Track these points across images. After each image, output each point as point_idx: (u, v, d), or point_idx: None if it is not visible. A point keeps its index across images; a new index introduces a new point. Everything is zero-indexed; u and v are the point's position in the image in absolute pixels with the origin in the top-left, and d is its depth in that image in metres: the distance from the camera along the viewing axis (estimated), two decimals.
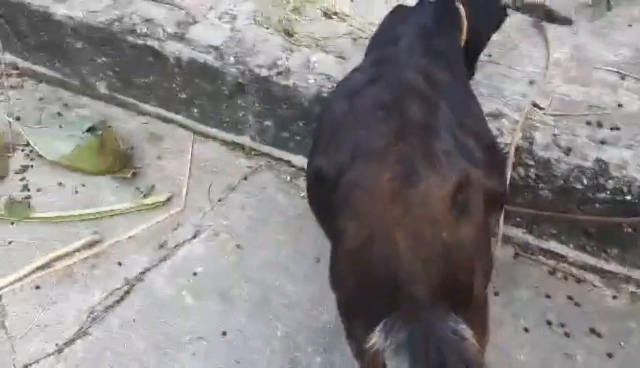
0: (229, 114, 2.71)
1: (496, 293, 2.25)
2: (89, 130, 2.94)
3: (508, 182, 2.09)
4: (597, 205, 2.05)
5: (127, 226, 2.60)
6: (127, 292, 2.38)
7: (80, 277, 2.44)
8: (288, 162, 2.72)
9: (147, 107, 2.98)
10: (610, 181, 1.98)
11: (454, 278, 1.26)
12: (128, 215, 2.66)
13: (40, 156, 2.92)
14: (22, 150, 2.96)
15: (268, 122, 2.62)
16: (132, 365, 2.15)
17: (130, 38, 2.65)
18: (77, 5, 2.80)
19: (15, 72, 3.39)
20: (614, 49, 2.44)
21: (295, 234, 2.52)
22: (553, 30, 2.47)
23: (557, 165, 2.05)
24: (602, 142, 2.04)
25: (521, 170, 2.13)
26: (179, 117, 2.90)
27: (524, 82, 2.32)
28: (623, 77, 2.33)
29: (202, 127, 2.86)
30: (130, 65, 2.81)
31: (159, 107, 2.93)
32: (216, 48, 2.49)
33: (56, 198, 2.76)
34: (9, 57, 3.34)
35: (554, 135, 2.08)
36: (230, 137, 2.80)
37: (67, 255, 2.51)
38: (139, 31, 2.62)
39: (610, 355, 2.05)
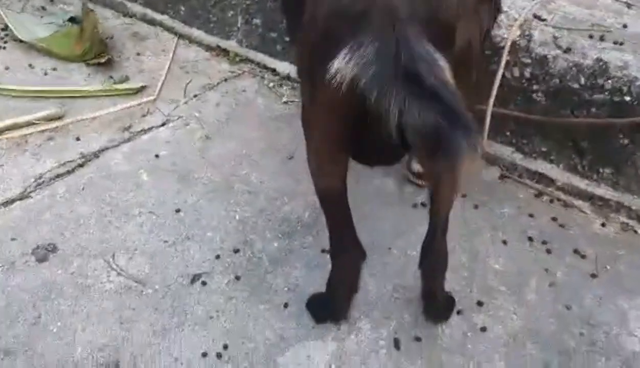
0: (217, 13, 2.59)
1: (475, 207, 2.08)
2: (71, 20, 2.81)
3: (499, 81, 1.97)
4: (593, 109, 1.91)
5: (94, 108, 2.45)
6: (81, 165, 2.20)
7: (34, 146, 2.26)
8: (273, 70, 2.58)
9: (135, 7, 2.86)
10: (609, 81, 1.84)
11: (441, 18, 1.10)
12: (97, 100, 2.49)
13: (16, 40, 2.79)
14: None
15: (256, 20, 2.49)
16: (72, 228, 1.96)
17: None
18: None
19: None
20: None
21: (270, 132, 2.36)
22: None
23: (554, 62, 1.92)
24: (604, 48, 1.92)
25: (516, 70, 1.99)
26: (164, 18, 2.78)
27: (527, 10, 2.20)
28: (629, 6, 2.22)
29: (187, 30, 2.73)
30: None
31: (146, 6, 2.81)
32: None
33: (23, 77, 2.60)
34: None
35: (554, 36, 1.96)
36: (215, 40, 2.66)
37: (24, 125, 2.34)
38: None
39: (593, 276, 1.87)
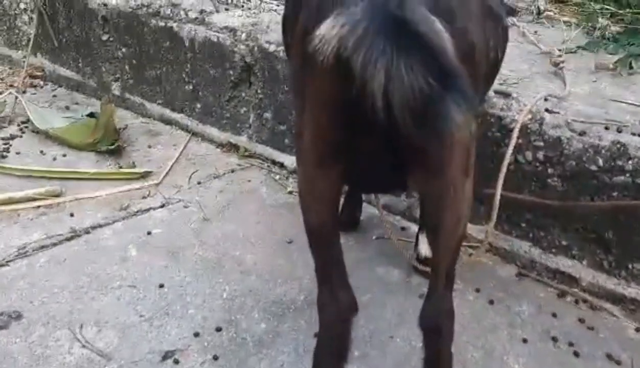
0: (230, 110, 2.62)
1: (490, 302, 1.86)
2: (90, 115, 2.87)
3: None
4: (614, 193, 1.76)
5: (94, 189, 2.38)
6: (68, 239, 2.09)
7: (26, 220, 2.18)
8: (281, 164, 2.53)
9: (153, 107, 2.92)
10: (629, 162, 1.71)
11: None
12: (99, 183, 2.44)
13: (34, 131, 2.84)
14: (18, 125, 2.89)
15: (267, 114, 2.50)
16: (43, 297, 1.79)
17: (153, 21, 2.70)
18: None
19: (39, 74, 3.48)
20: (635, 94, 2.28)
21: (271, 218, 2.23)
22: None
23: (569, 143, 1.80)
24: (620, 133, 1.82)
25: (528, 154, 1.88)
26: (180, 116, 2.82)
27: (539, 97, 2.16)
28: None
29: (200, 127, 2.75)
30: (147, 55, 2.82)
31: (164, 105, 2.88)
32: (232, 29, 2.48)
33: (32, 161, 2.59)
34: (37, 60, 3.45)
35: (567, 121, 1.87)
36: (227, 136, 2.66)
37: (20, 200, 2.27)
38: (162, 13, 2.67)
39: None
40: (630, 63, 2.44)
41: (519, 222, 1.99)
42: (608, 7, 3.13)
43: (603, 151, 1.77)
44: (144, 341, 1.66)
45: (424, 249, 1.90)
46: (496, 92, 1.97)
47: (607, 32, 2.82)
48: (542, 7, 3.28)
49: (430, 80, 0.83)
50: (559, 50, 2.47)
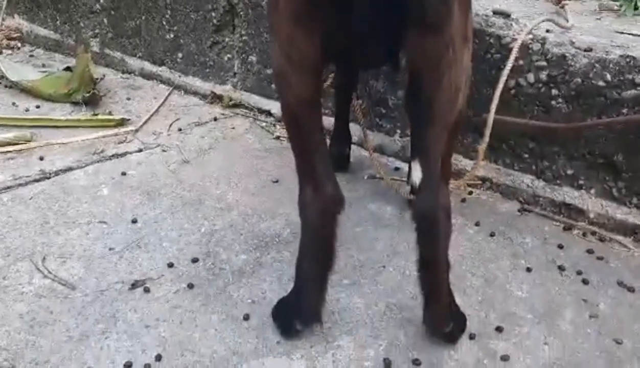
0: (213, 57, 2.48)
1: (491, 235, 1.71)
2: (66, 69, 2.72)
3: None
4: (624, 110, 1.62)
5: (68, 136, 2.23)
6: (37, 180, 1.93)
7: None
8: (268, 112, 2.38)
9: (133, 62, 2.77)
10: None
11: None
12: (73, 130, 2.29)
13: (7, 86, 2.68)
14: None
15: (252, 57, 2.35)
16: (4, 232, 1.64)
17: None
18: None
19: (16, 35, 3.33)
20: None
21: (255, 160, 2.08)
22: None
23: (574, 60, 1.67)
24: (629, 47, 1.69)
25: (530, 76, 1.74)
26: (162, 69, 2.67)
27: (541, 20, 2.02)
28: None
29: (183, 79, 2.61)
30: (125, 5, 2.68)
31: (144, 58, 2.73)
32: None
33: (3, 113, 2.44)
34: (15, 21, 3.30)
35: (571, 41, 1.74)
36: (210, 86, 2.52)
37: None
38: None
39: None
40: (636, 3, 2.32)
41: (521, 154, 1.85)
42: None
43: (611, 65, 1.63)
44: (112, 272, 1.50)
45: (418, 176, 1.76)
46: (495, 11, 1.84)
47: None
48: None
49: None
50: None
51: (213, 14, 2.40)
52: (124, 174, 1.96)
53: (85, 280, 1.47)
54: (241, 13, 2.32)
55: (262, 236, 1.67)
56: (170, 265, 1.53)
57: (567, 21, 2.00)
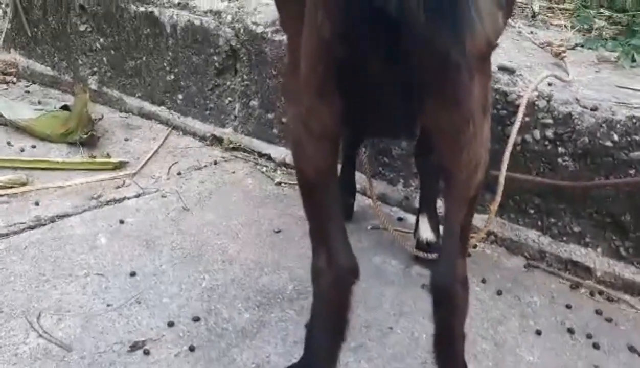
0: (214, 99, 2.46)
1: (498, 293, 1.68)
2: (63, 107, 2.69)
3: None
4: (632, 172, 1.61)
5: (64, 179, 2.19)
6: (31, 228, 1.88)
7: None
8: (268, 156, 2.35)
9: (132, 101, 2.75)
10: None
11: None
12: (70, 173, 2.25)
13: (1, 124, 2.64)
14: None
15: (254, 102, 2.33)
16: (1, 287, 1.58)
17: (132, 7, 2.55)
18: None
19: (12, 70, 3.30)
20: None
21: (256, 208, 2.04)
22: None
23: (580, 119, 1.66)
24: (637, 108, 1.69)
25: (536, 133, 1.74)
26: (160, 109, 2.65)
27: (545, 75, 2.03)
28: None
29: (182, 120, 2.58)
30: (126, 45, 2.66)
31: (144, 98, 2.71)
32: (216, 12, 2.34)
33: None
34: (10, 56, 3.28)
35: (576, 98, 1.74)
36: (210, 129, 2.49)
37: None
38: None
39: None
40: (633, 55, 2.33)
41: (527, 209, 1.83)
42: (602, 12, 3.08)
43: (618, 126, 1.63)
44: (110, 331, 1.45)
45: (426, 233, 1.73)
46: (500, 67, 1.84)
47: (604, 33, 2.74)
48: (536, 10, 3.22)
49: None
50: (561, 40, 2.37)
51: (215, 58, 2.39)
52: (122, 221, 1.92)
53: (82, 341, 1.41)
54: (243, 58, 2.31)
55: (265, 292, 1.62)
56: (171, 324, 1.48)
57: (568, 74, 2.02)
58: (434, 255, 1.70)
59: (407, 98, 0.96)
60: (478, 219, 1.93)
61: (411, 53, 0.85)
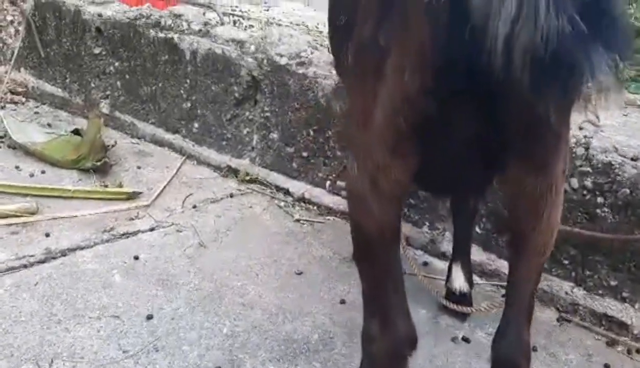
0: (231, 130, 2.39)
1: (533, 349, 1.61)
2: (74, 132, 2.62)
3: None
4: None
5: (75, 209, 2.11)
6: (42, 261, 1.80)
7: None
8: (286, 191, 2.28)
9: (145, 127, 2.68)
10: None
11: None
12: (81, 202, 2.17)
13: (11, 147, 2.57)
14: None
15: (274, 135, 2.27)
16: (7, 325, 1.49)
17: (152, 32, 2.50)
18: (110, 6, 2.73)
19: (21, 90, 3.23)
20: None
21: (276, 246, 1.97)
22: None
23: (621, 169, 1.61)
24: None
25: (574, 181, 1.68)
26: (175, 137, 2.58)
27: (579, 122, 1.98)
28: None
29: (197, 149, 2.51)
30: (142, 70, 2.60)
31: (157, 125, 2.64)
32: (239, 41, 2.28)
33: (6, 177, 2.31)
34: (21, 75, 3.21)
35: (615, 147, 1.69)
36: (225, 159, 2.42)
37: None
38: (162, 24, 2.47)
39: None
40: None
41: (561, 259, 1.76)
42: None
43: None
44: None
45: (459, 283, 1.66)
46: None
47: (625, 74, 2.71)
48: None
49: (578, 19, 0.61)
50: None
51: (235, 88, 2.33)
52: (136, 258, 1.83)
53: None
54: (265, 89, 2.26)
55: (289, 341, 1.54)
56: None
57: (598, 119, 1.97)
58: (467, 309, 1.62)
59: (488, 158, 0.90)
60: (506, 267, 1.88)
61: (504, 114, 0.79)
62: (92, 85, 2.86)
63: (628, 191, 1.61)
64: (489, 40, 0.64)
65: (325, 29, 3.15)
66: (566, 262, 1.76)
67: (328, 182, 2.20)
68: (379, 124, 0.91)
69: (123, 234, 1.98)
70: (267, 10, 4.80)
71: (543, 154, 0.88)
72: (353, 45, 1.00)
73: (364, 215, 1.02)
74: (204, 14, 2.60)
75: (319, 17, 4.09)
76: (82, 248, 1.89)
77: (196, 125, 2.52)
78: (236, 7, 4.50)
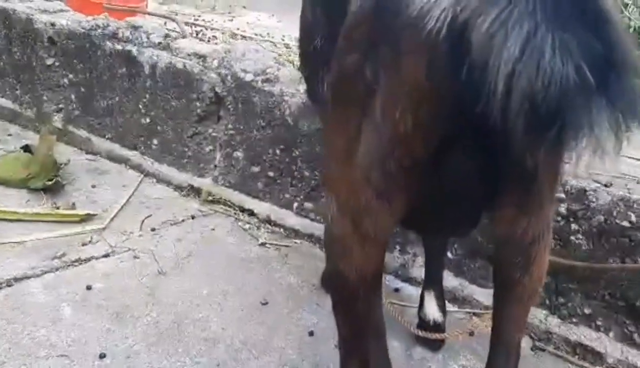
0: (192, 147, 2.29)
1: None
2: (25, 148, 2.46)
3: None
4: None
5: (23, 233, 1.96)
6: None
7: None
8: (251, 212, 2.19)
9: (100, 142, 2.55)
10: None
11: None
12: (30, 224, 2.02)
13: None
14: None
15: (238, 153, 2.17)
16: None
17: (108, 44, 2.37)
18: (64, 16, 2.59)
19: None
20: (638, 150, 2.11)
21: (240, 274, 1.87)
22: None
23: (596, 196, 1.58)
24: None
25: None
26: (132, 154, 2.46)
27: None
28: None
29: (156, 167, 2.39)
30: (98, 82, 2.47)
31: (114, 140, 2.51)
32: (201, 56, 2.18)
33: None
34: None
35: (589, 172, 1.66)
36: (186, 178, 2.31)
37: None
38: (120, 36, 2.35)
39: None
40: None
41: None
42: None
43: (635, 205, 1.55)
44: None
45: (433, 312, 1.59)
46: None
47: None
48: None
49: (585, 67, 0.56)
50: None
51: (197, 104, 2.22)
52: (89, 287, 1.70)
53: None
54: (229, 106, 2.16)
55: None
56: None
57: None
58: (440, 336, 1.56)
59: (479, 199, 0.84)
60: (478, 293, 1.83)
61: (499, 155, 0.73)
62: (45, 97, 2.70)
63: (602, 218, 1.58)
64: (488, 80, 0.58)
65: (292, 42, 3.08)
66: (540, 289, 1.72)
67: (295, 204, 2.11)
68: (364, 163, 0.84)
69: (75, 261, 1.85)
70: (232, 20, 4.71)
71: (537, 197, 0.82)
72: (333, 74, 0.93)
73: (344, 261, 0.94)
74: (164, 24, 2.49)
75: (285, 29, 4.03)
76: (29, 277, 1.75)
77: (155, 141, 2.40)
78: (199, 16, 4.40)
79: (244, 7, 5.18)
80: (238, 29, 3.83)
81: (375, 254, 0.93)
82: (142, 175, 2.46)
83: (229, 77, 2.10)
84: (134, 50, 2.32)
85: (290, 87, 2.01)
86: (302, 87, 2.02)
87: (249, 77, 2.06)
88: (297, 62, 1.96)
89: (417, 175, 0.82)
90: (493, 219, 0.88)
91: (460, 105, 0.67)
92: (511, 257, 0.91)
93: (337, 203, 0.93)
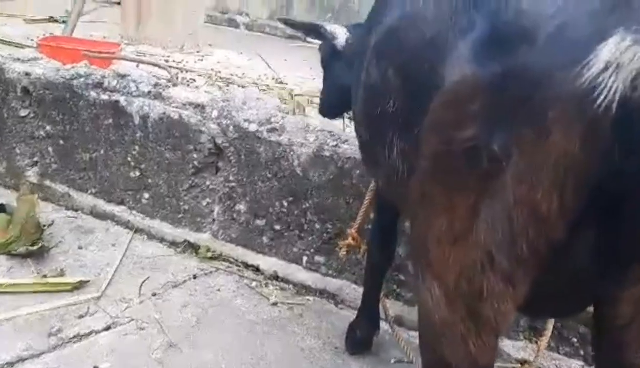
0: (188, 200, 2.15)
1: None
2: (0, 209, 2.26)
3: None
4: None
5: (11, 307, 1.77)
6: None
7: None
8: (256, 268, 2.06)
9: (82, 198, 2.37)
10: None
11: None
12: (17, 297, 1.83)
13: None
14: None
15: (240, 206, 2.05)
16: None
17: (92, 94, 2.21)
18: (40, 64, 2.42)
19: None
20: None
21: (256, 340, 1.73)
22: None
23: None
24: None
25: None
26: (119, 209, 2.29)
27: None
28: None
29: (147, 222, 2.24)
30: (79, 134, 2.30)
31: (98, 195, 2.33)
32: (198, 105, 2.06)
33: None
34: None
35: None
36: (182, 233, 2.16)
37: None
38: (106, 85, 2.20)
39: None
40: None
41: (569, 337, 1.66)
42: None
43: None
44: None
45: None
46: None
47: None
48: None
49: None
50: None
51: (194, 155, 2.09)
52: None
53: None
54: (231, 157, 2.03)
55: None
56: None
57: None
58: None
59: (605, 276, 0.77)
60: (509, 346, 1.76)
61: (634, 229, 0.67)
62: (17, 150, 2.50)
63: None
64: None
65: (292, 86, 2.97)
66: (574, 339, 1.66)
67: (305, 257, 2.00)
68: (485, 245, 0.75)
69: (74, 337, 1.67)
70: (202, 60, 4.59)
71: None
72: (430, 149, 0.84)
73: (454, 351, 0.85)
74: (149, 73, 2.36)
75: (258, 67, 3.95)
76: (24, 359, 1.57)
77: (146, 195, 2.24)
78: (168, 57, 4.26)
79: (210, 44, 5.08)
80: (212, 69, 3.72)
81: (491, 343, 0.84)
82: (131, 232, 2.29)
83: (230, 128, 1.98)
84: (122, 99, 2.18)
85: (298, 136, 1.91)
86: (311, 137, 1.93)
87: (252, 127, 1.95)
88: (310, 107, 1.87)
89: (548, 255, 0.74)
90: (615, 299, 0.82)
91: (617, 177, 0.61)
92: (632, 339, 0.84)
93: (443, 287, 0.84)
